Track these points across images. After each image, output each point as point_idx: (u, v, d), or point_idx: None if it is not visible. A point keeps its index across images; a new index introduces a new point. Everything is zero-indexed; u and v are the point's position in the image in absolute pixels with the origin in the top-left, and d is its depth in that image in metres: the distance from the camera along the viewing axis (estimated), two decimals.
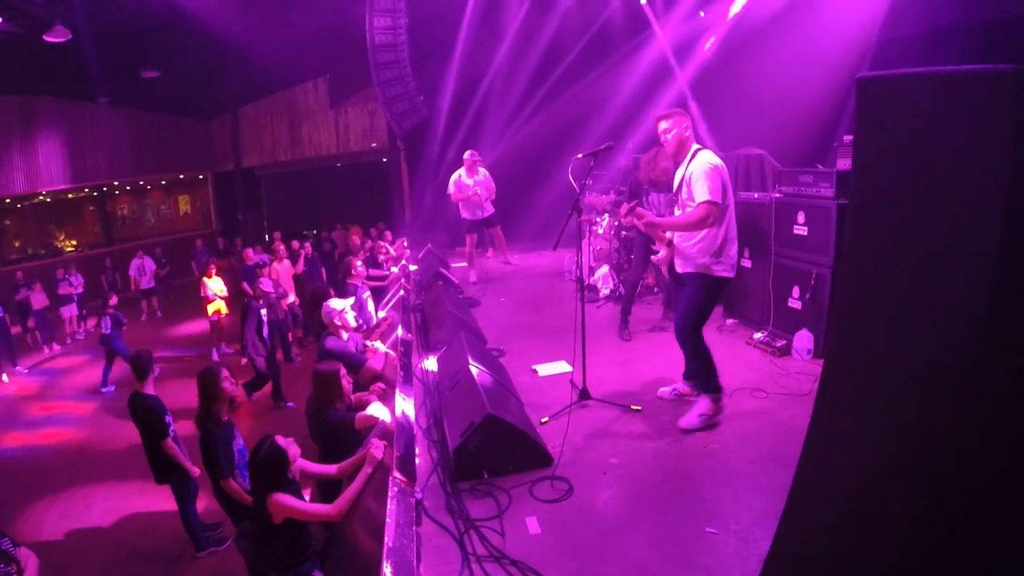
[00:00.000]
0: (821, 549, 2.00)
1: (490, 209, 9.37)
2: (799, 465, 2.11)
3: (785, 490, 2.15)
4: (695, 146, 4.30)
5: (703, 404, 4.41)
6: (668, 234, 4.62)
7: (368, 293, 7.56)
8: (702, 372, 4.45)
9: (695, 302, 4.39)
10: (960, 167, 1.60)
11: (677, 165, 4.42)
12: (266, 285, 8.71)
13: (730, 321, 6.53)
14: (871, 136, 1.87)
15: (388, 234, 13.37)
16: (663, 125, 4.36)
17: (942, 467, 1.62)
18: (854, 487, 1.88)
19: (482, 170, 9.30)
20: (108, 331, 10.45)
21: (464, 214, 9.41)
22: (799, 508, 2.12)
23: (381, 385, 5.01)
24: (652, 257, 6.27)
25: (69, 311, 14.09)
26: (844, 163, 5.65)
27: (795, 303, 5.66)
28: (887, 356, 1.80)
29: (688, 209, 4.24)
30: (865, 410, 1.88)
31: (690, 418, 4.41)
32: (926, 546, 1.68)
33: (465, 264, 9.83)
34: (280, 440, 3.71)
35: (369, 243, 12.28)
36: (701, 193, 4.12)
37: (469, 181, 9.15)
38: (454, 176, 9.27)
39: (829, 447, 2.02)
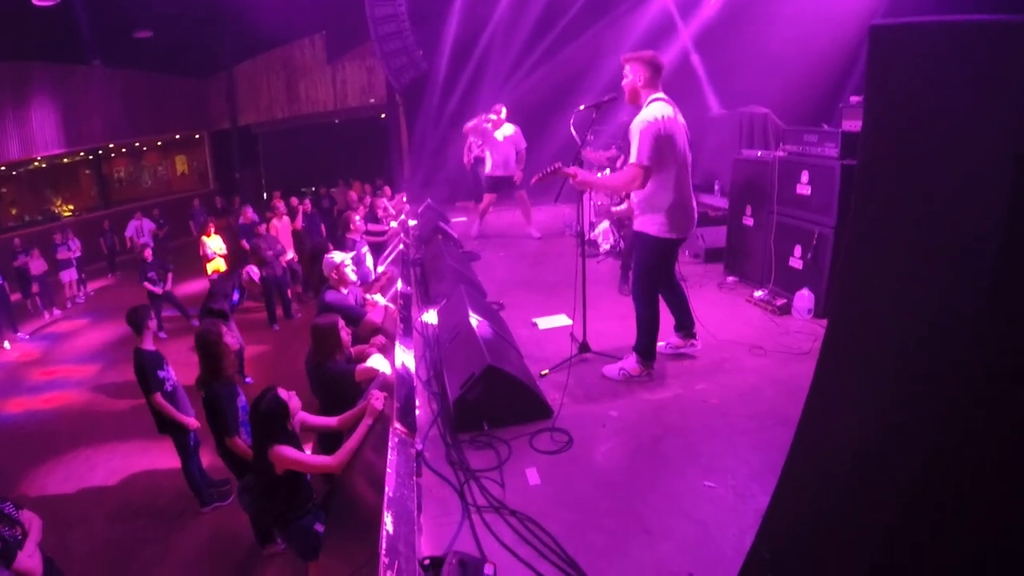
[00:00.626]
0: (821, 509, 1.99)
1: (516, 169, 8.94)
2: (799, 424, 2.10)
3: (783, 447, 2.15)
4: (652, 96, 4.08)
5: (630, 362, 4.41)
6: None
7: (366, 248, 7.54)
8: (644, 335, 4.37)
9: (643, 262, 4.34)
10: (972, 119, 1.54)
11: (637, 111, 4.18)
12: (253, 273, 8.48)
13: (731, 279, 6.51)
14: (883, 87, 1.81)
15: (387, 189, 13.30)
16: (625, 68, 4.16)
17: (947, 429, 1.60)
18: (856, 447, 1.86)
19: (509, 125, 8.91)
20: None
21: (492, 168, 8.95)
22: (799, 467, 2.11)
23: (381, 338, 5.01)
24: (612, 209, 6.20)
25: (68, 275, 14.08)
26: (849, 123, 5.58)
27: (796, 262, 5.64)
28: (892, 315, 1.77)
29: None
30: (868, 369, 1.85)
31: (612, 368, 4.46)
32: (929, 509, 1.67)
33: (464, 219, 9.72)
34: (282, 392, 3.74)
35: (368, 199, 12.22)
36: (632, 154, 4.00)
37: (499, 136, 8.82)
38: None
39: (831, 406, 2.00)
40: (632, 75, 4.12)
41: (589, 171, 5.45)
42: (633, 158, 3.99)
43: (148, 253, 11.34)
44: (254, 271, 8.24)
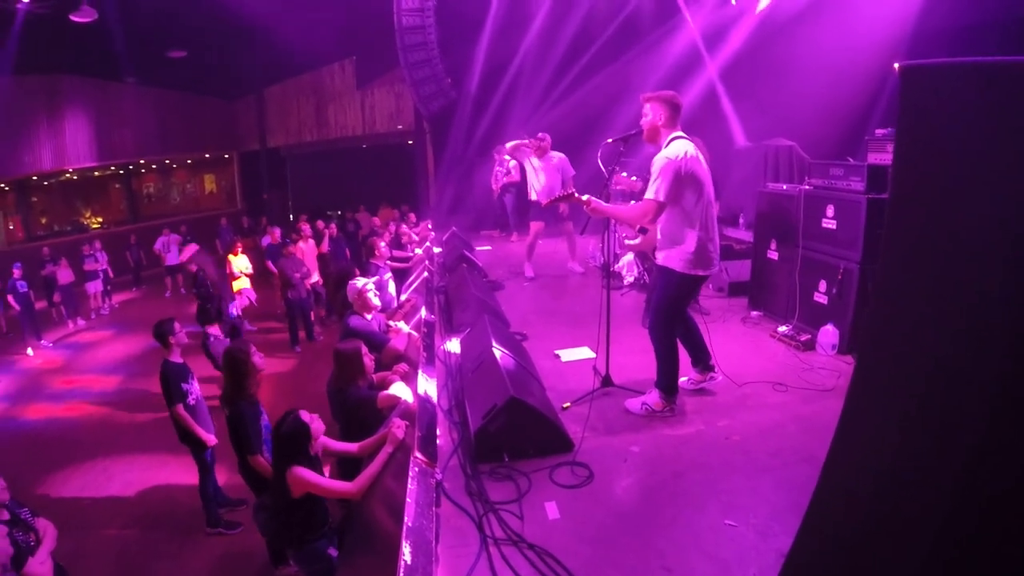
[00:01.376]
0: (846, 549, 1.96)
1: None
2: (826, 462, 2.06)
3: (805, 485, 2.12)
4: (673, 134, 4.12)
5: (652, 397, 4.37)
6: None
7: (389, 274, 7.59)
8: (665, 371, 4.34)
9: (662, 297, 4.32)
10: (1004, 159, 1.55)
11: (657, 150, 4.21)
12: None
13: (755, 313, 6.46)
14: (913, 126, 1.83)
15: (412, 216, 13.41)
16: (644, 108, 4.19)
17: (977, 468, 1.58)
18: (884, 487, 1.83)
19: (556, 153, 8.45)
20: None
21: (538, 194, 8.37)
22: (824, 506, 2.08)
23: (404, 366, 5.02)
24: (626, 242, 6.19)
25: (94, 287, 14.39)
26: (875, 157, 5.56)
27: (821, 297, 5.59)
28: (921, 351, 1.75)
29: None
30: (897, 406, 1.83)
31: (634, 403, 4.42)
32: (959, 550, 1.64)
33: (489, 248, 9.62)
34: (304, 415, 3.77)
35: (393, 225, 12.34)
36: (649, 189, 4.03)
37: (538, 163, 8.38)
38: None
39: (858, 444, 1.98)
40: (652, 114, 4.15)
41: (618, 201, 5.45)
42: (650, 193, 4.01)
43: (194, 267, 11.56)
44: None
